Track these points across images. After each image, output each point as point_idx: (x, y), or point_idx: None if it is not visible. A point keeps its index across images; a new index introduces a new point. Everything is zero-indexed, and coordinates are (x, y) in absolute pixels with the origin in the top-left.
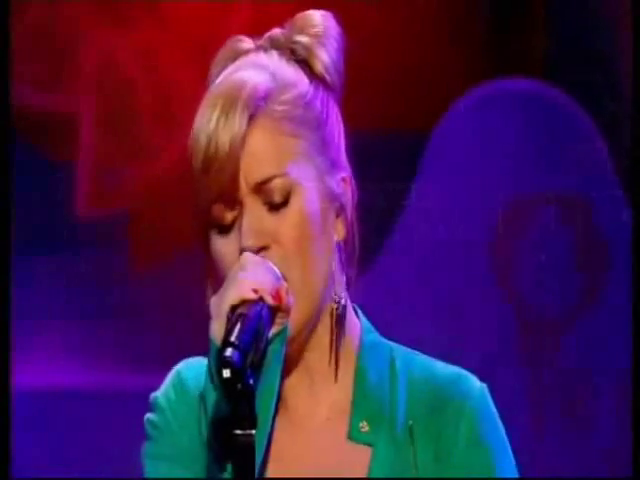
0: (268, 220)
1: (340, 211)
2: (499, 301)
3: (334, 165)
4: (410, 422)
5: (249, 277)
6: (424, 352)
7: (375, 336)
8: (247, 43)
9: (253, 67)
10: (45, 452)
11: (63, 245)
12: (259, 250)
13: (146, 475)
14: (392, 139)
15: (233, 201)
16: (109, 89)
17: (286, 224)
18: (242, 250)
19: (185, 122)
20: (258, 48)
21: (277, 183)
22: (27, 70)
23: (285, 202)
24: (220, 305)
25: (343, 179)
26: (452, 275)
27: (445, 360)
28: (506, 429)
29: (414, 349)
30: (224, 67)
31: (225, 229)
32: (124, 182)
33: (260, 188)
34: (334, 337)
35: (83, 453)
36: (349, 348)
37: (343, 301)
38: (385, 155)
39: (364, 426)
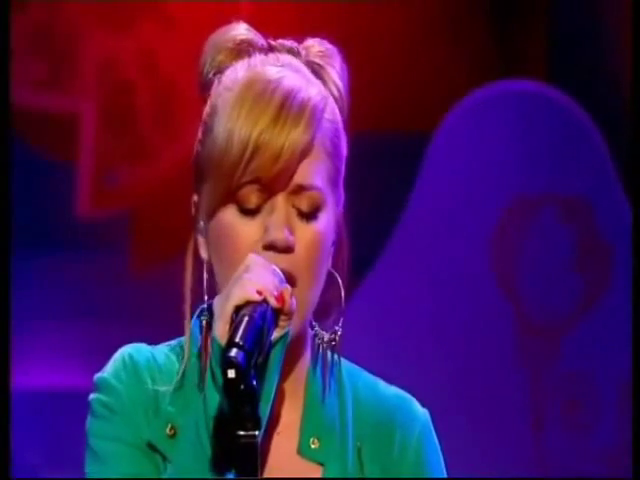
0: (296, 225)
1: (332, 243)
2: (500, 302)
3: (339, 199)
4: (358, 444)
5: (254, 278)
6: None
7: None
8: (256, 35)
9: (298, 73)
10: (44, 452)
11: (63, 246)
12: (284, 249)
13: (92, 454)
14: (394, 140)
15: (270, 190)
16: (109, 90)
17: (310, 236)
18: (271, 242)
19: (185, 123)
20: (273, 49)
21: (313, 194)
22: (27, 70)
23: (314, 215)
24: (224, 305)
25: (341, 214)
26: (453, 275)
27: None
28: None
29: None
30: (240, 53)
31: (248, 211)
32: (125, 183)
33: (297, 191)
34: (325, 363)
35: (82, 453)
36: (301, 363)
37: (339, 330)
38: (387, 156)
39: (314, 442)
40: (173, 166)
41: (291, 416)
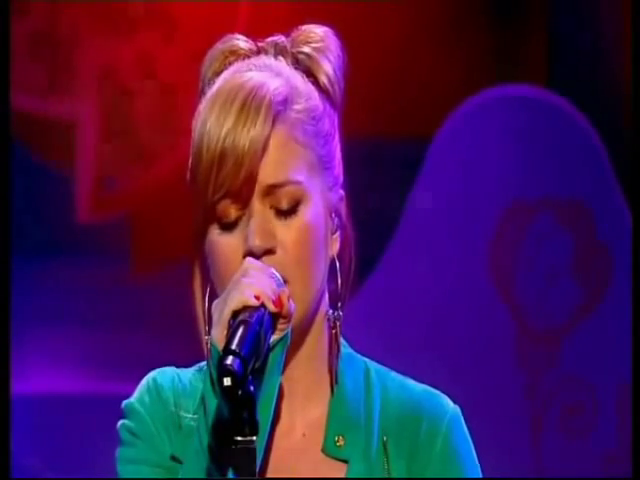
0: (276, 225)
1: (337, 228)
2: (499, 305)
3: (336, 182)
4: (384, 438)
5: (251, 282)
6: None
7: (349, 350)
8: (245, 42)
9: (267, 70)
10: (43, 455)
11: (63, 251)
12: (265, 252)
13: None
14: (392, 145)
15: (242, 200)
16: (109, 95)
17: (293, 232)
18: (248, 250)
19: (185, 128)
20: (260, 50)
21: (289, 190)
22: (27, 76)
23: (293, 210)
24: (222, 310)
25: (341, 197)
26: (452, 279)
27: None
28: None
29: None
30: (224, 65)
31: (228, 226)
32: (124, 188)
33: (270, 191)
34: (332, 352)
35: (81, 459)
36: (320, 355)
37: (341, 315)
38: (385, 160)
39: (339, 440)
40: (172, 171)
41: (315, 413)
